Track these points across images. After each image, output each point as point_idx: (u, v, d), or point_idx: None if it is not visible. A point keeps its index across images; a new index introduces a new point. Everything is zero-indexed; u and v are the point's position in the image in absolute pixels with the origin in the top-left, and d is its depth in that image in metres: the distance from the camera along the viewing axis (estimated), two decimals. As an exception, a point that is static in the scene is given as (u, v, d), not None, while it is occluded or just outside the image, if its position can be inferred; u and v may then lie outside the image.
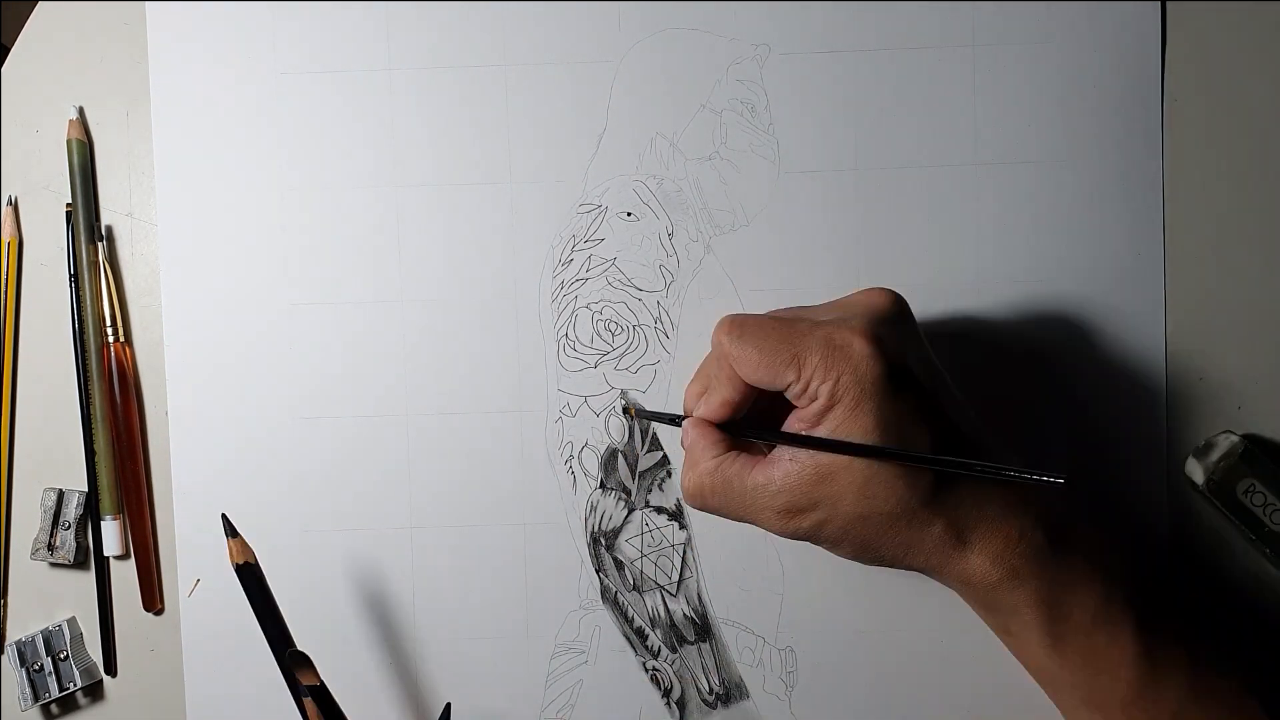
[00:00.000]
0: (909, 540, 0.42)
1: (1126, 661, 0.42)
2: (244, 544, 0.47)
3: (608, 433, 0.53)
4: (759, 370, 0.43)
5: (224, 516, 0.48)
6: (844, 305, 0.45)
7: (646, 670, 0.53)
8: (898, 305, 0.44)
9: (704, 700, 0.53)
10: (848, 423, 0.41)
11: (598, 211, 0.53)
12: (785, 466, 0.42)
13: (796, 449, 0.42)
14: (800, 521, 0.42)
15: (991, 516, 0.42)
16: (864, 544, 0.42)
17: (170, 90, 0.53)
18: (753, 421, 0.46)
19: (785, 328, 0.43)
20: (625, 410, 0.52)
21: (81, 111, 0.54)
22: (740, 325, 0.44)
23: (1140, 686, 0.42)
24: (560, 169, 0.53)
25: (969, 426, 0.44)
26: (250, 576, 0.47)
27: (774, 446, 0.43)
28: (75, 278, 0.53)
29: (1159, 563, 0.52)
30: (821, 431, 0.42)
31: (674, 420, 0.49)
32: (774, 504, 0.42)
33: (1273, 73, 0.52)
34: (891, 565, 0.43)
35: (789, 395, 0.43)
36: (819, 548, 0.45)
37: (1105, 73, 0.52)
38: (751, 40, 0.52)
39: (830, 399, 0.41)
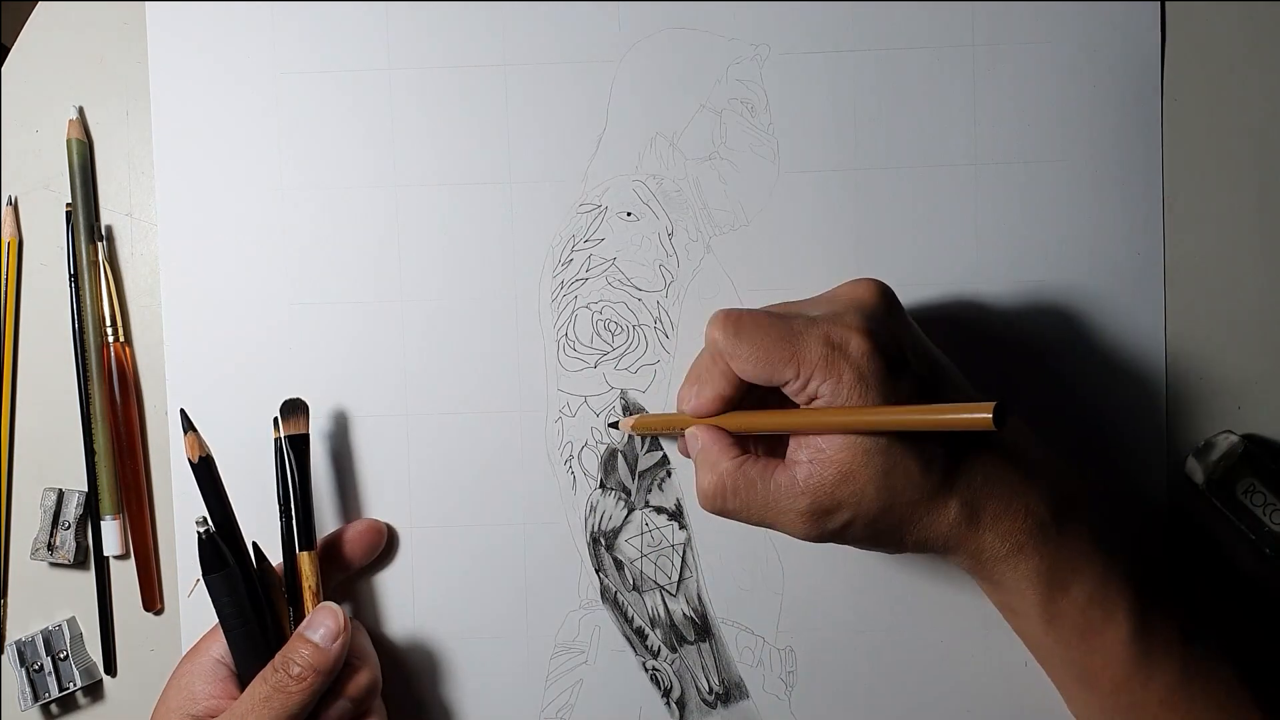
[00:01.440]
0: (928, 524, 0.42)
1: (1120, 640, 0.43)
2: (198, 439, 0.47)
3: (607, 432, 0.53)
4: (756, 368, 0.43)
5: (181, 411, 0.47)
6: (833, 300, 0.44)
7: (646, 670, 0.53)
8: (887, 297, 0.44)
9: (704, 700, 0.53)
10: None
11: (598, 211, 0.53)
12: (807, 469, 0.42)
13: (814, 452, 0.42)
14: (827, 523, 0.42)
15: (1000, 494, 0.42)
16: (887, 534, 0.43)
17: (170, 90, 0.53)
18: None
19: (782, 325, 0.42)
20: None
21: (81, 111, 0.54)
22: (736, 322, 0.43)
23: (1132, 666, 0.43)
24: (560, 169, 0.53)
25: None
26: (206, 471, 0.47)
27: (785, 449, 0.43)
28: (75, 278, 0.53)
29: (1159, 562, 0.52)
30: (825, 429, 0.42)
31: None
32: (797, 506, 0.42)
33: (1273, 73, 0.52)
34: (910, 550, 0.44)
35: (787, 392, 0.43)
36: (811, 546, 0.44)
37: (1105, 73, 0.52)
38: (751, 40, 0.52)
39: (832, 397, 0.41)
